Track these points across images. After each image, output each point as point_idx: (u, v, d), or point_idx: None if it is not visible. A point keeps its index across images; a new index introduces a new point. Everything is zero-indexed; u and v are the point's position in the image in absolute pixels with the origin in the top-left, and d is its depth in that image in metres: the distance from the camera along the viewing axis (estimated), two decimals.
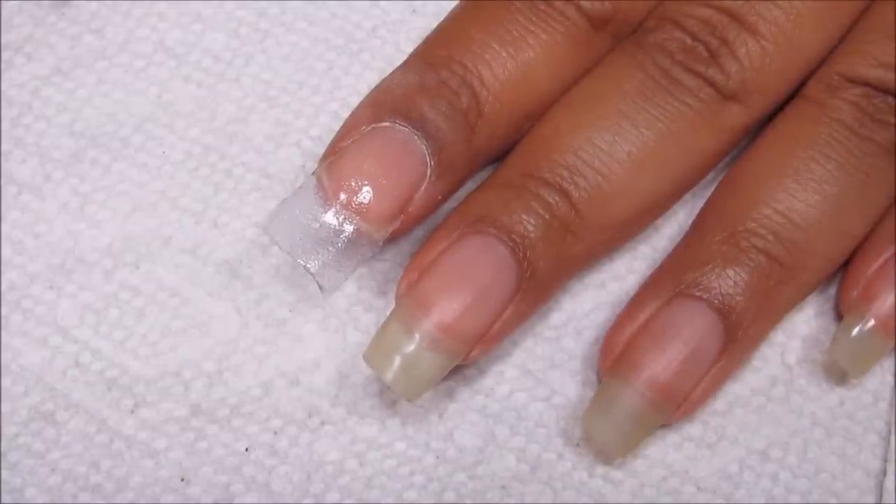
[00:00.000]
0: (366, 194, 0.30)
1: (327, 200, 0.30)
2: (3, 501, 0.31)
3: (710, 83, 0.32)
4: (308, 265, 0.30)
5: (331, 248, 0.30)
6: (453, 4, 0.33)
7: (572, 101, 0.32)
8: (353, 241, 0.30)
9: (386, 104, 0.31)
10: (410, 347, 0.30)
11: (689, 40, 0.32)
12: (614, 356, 0.31)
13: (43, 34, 0.36)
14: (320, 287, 0.30)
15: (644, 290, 0.32)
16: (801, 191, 0.31)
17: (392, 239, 0.31)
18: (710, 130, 0.32)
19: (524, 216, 0.30)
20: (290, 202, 0.30)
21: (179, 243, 0.33)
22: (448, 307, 0.30)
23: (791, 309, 0.33)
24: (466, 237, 0.30)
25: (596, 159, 0.31)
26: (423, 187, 0.30)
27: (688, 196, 0.34)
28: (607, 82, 0.32)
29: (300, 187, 0.30)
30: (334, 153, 0.31)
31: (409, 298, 0.30)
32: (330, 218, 0.30)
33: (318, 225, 0.30)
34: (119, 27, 0.36)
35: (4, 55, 0.35)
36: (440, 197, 0.31)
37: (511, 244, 0.30)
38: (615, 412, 0.30)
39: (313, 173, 0.31)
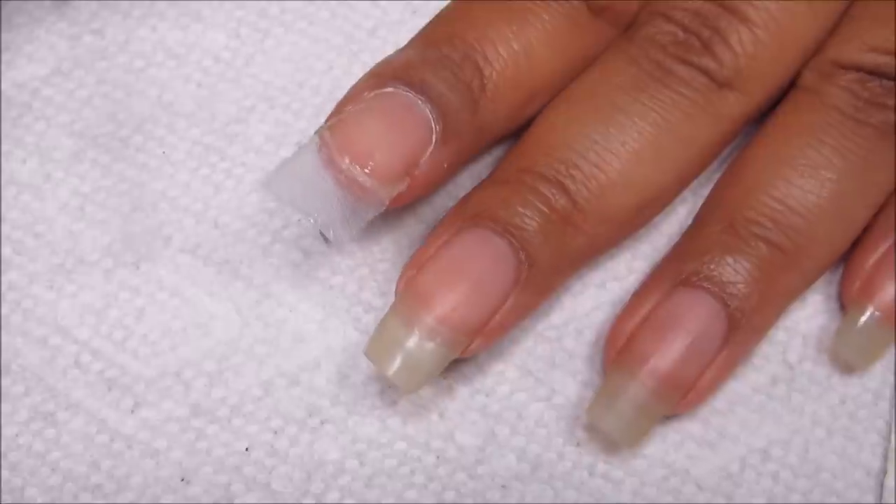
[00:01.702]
0: (371, 151, 0.30)
1: (332, 157, 0.30)
2: (3, 501, 0.31)
3: (704, 72, 0.32)
4: (314, 218, 0.30)
5: (336, 203, 0.30)
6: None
7: (567, 98, 0.32)
8: (359, 197, 0.30)
9: (387, 73, 0.31)
10: (410, 340, 0.30)
11: (680, 32, 0.32)
12: (618, 348, 0.31)
13: (43, 34, 0.36)
14: (326, 240, 0.30)
15: (646, 282, 0.32)
16: (798, 177, 0.31)
17: (399, 210, 0.31)
18: (706, 119, 0.32)
19: (521, 209, 0.30)
20: (293, 160, 0.30)
21: (179, 243, 0.33)
22: (446, 299, 0.30)
23: (796, 297, 0.33)
24: (463, 231, 0.30)
25: (590, 151, 0.31)
26: (428, 151, 0.30)
27: (688, 195, 0.34)
28: (600, 78, 0.32)
29: (302, 146, 0.30)
30: (338, 115, 0.31)
31: (408, 292, 0.30)
32: (335, 173, 0.30)
33: (322, 180, 0.30)
34: (119, 27, 0.36)
35: (4, 55, 0.35)
36: (446, 165, 0.31)
37: (508, 236, 0.30)
38: (620, 403, 0.30)
39: (316, 133, 0.30)
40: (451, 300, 0.30)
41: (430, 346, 0.30)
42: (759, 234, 0.31)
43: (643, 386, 0.30)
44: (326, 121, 0.31)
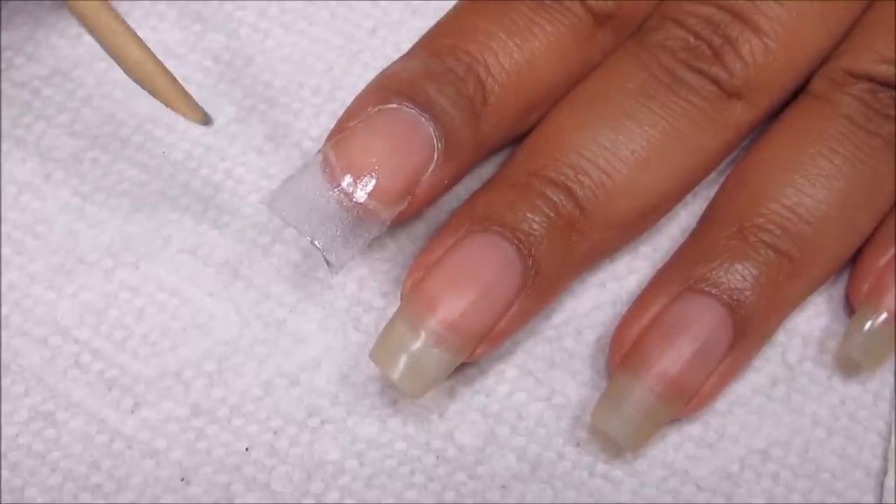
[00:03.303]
0: (374, 172, 0.30)
1: (335, 177, 0.30)
2: (3, 501, 0.31)
3: (714, 81, 0.32)
4: (316, 240, 0.30)
5: (338, 224, 0.30)
6: (453, 5, 0.33)
7: (576, 100, 0.32)
8: (361, 218, 0.30)
9: (392, 87, 0.31)
10: (416, 345, 0.30)
11: (691, 39, 0.32)
12: (624, 351, 0.31)
13: (43, 34, 0.36)
14: (328, 263, 0.30)
15: (653, 284, 0.32)
16: (809, 186, 0.31)
17: (397, 222, 0.31)
18: (713, 128, 0.32)
19: (529, 215, 0.30)
20: (296, 179, 0.30)
21: (179, 243, 0.33)
22: (453, 304, 0.30)
23: (800, 303, 0.33)
24: (471, 235, 0.30)
25: (600, 158, 0.31)
26: (430, 169, 0.30)
27: (689, 197, 0.34)
28: (610, 81, 0.32)
29: (306, 165, 0.30)
30: (341, 132, 0.30)
31: (415, 296, 0.30)
32: (338, 194, 0.30)
33: (325, 201, 0.30)
34: None
35: (4, 55, 0.35)
36: (446, 181, 0.31)
37: (516, 242, 0.30)
38: (625, 407, 0.30)
39: (319, 151, 0.30)
40: (458, 306, 0.30)
41: (435, 351, 0.30)
42: (767, 242, 0.31)
43: (650, 390, 0.30)
44: (330, 136, 0.31)
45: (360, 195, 0.30)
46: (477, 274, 0.30)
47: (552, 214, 0.30)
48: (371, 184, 0.30)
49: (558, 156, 0.31)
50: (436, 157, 0.30)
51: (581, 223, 0.31)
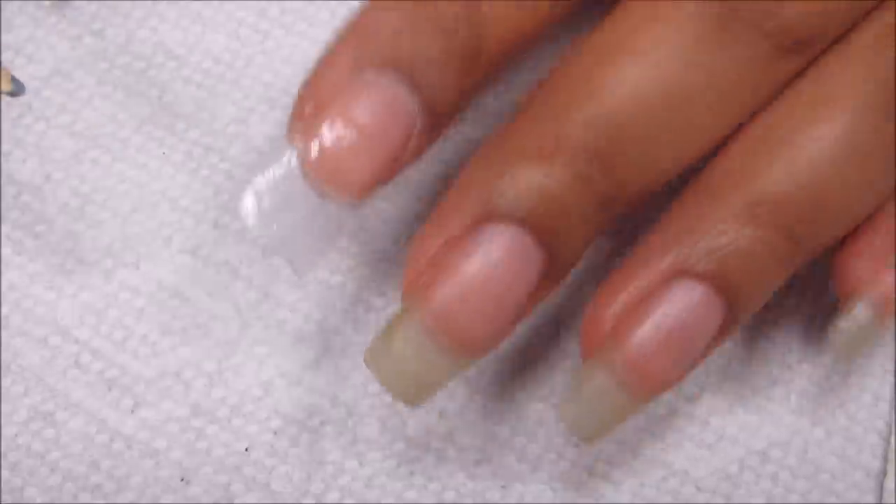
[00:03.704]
0: (349, 169, 0.27)
1: (305, 169, 0.27)
2: (3, 501, 0.31)
3: (768, 36, 0.28)
4: (286, 247, 0.28)
5: (311, 223, 0.28)
6: None
7: (604, 50, 0.28)
8: (333, 211, 0.28)
9: (370, 49, 0.27)
10: (420, 355, 0.27)
11: None
12: (600, 336, 0.28)
13: (43, 35, 0.36)
14: (300, 266, 0.29)
15: (636, 259, 0.28)
16: (824, 160, 0.28)
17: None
18: (758, 86, 0.28)
19: (559, 195, 0.27)
20: (267, 174, 0.28)
21: (179, 243, 0.33)
22: (462, 316, 0.27)
23: (789, 277, 0.29)
24: (489, 233, 0.27)
25: (633, 123, 0.27)
26: (410, 143, 0.27)
27: None
28: (649, 29, 0.28)
29: (278, 159, 0.28)
30: (311, 111, 0.28)
31: (417, 302, 0.27)
32: (308, 189, 0.28)
33: (301, 200, 0.28)
34: (119, 28, 0.36)
35: (4, 55, 0.35)
36: (430, 142, 0.28)
37: (537, 235, 0.27)
38: (592, 401, 0.28)
39: (287, 136, 0.28)
40: (466, 318, 0.27)
41: (438, 360, 0.27)
42: (770, 220, 0.27)
43: (615, 381, 0.27)
44: (298, 115, 0.28)
45: (334, 194, 0.27)
46: (492, 284, 0.26)
47: (585, 194, 0.27)
48: (343, 174, 0.27)
49: (591, 120, 0.27)
50: (417, 126, 0.27)
51: (608, 200, 0.27)
